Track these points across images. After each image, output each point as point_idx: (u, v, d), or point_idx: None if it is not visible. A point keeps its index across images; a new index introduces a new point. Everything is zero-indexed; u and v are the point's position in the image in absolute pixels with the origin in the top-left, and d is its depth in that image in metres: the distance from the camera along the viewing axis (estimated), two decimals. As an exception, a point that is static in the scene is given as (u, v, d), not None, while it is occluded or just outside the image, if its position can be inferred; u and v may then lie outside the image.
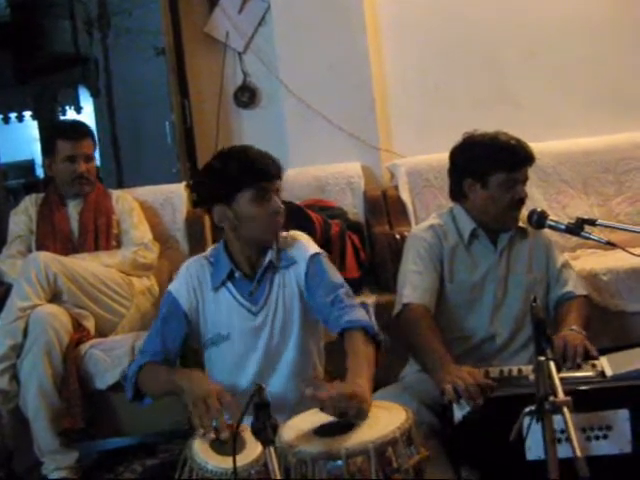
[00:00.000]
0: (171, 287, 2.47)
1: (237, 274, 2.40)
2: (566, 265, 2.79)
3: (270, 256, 2.40)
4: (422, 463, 1.91)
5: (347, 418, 1.94)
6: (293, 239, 2.47)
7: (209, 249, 2.52)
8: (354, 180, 4.12)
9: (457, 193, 2.74)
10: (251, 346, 2.39)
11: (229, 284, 2.41)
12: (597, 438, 2.10)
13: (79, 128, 3.68)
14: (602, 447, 2.10)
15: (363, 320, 2.30)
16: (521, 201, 2.65)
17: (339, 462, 1.82)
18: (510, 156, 2.61)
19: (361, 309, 2.36)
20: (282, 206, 2.38)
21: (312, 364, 2.46)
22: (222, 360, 2.41)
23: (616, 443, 2.10)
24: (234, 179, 2.32)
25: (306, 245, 2.46)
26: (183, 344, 2.42)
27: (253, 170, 2.32)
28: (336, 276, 2.43)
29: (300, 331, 2.40)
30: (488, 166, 2.61)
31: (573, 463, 1.70)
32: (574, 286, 2.75)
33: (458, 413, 2.16)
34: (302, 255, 2.42)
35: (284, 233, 2.47)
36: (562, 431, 1.83)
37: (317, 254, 2.43)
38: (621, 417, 2.10)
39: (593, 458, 1.99)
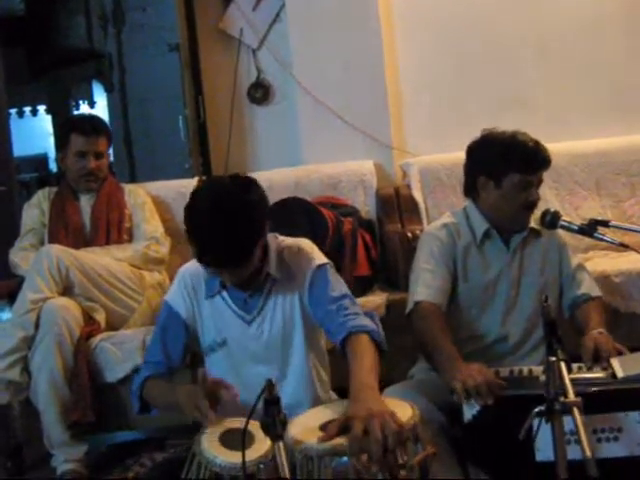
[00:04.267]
0: (167, 297, 2.43)
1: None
2: (580, 267, 2.77)
3: (267, 268, 2.32)
4: (428, 460, 1.91)
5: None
6: (297, 249, 2.38)
7: None
8: (366, 178, 4.11)
9: (470, 189, 2.72)
10: (248, 355, 2.35)
11: (223, 292, 2.36)
12: (607, 440, 2.10)
13: (95, 124, 3.67)
14: (612, 449, 2.09)
15: (369, 326, 2.25)
16: (533, 204, 2.63)
17: (345, 458, 1.82)
18: (527, 158, 2.58)
19: (367, 318, 2.30)
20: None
21: (320, 370, 2.43)
22: (220, 367, 2.37)
23: (626, 445, 2.09)
24: None
25: (311, 256, 2.37)
26: (185, 352, 2.41)
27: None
28: (341, 286, 2.36)
29: (304, 341, 2.35)
30: (503, 166, 2.58)
31: (583, 465, 1.69)
32: (589, 288, 2.72)
33: (468, 413, 2.15)
34: (306, 267, 2.34)
35: (289, 241, 2.39)
36: (572, 432, 1.84)
37: (322, 265, 2.35)
38: (632, 419, 2.10)
39: (603, 460, 1.99)
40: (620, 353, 2.38)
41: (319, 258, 2.39)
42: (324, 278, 2.33)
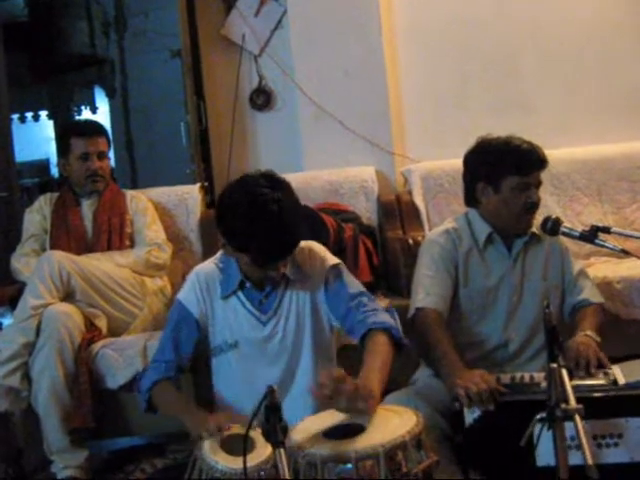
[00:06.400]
0: (180, 296, 2.45)
1: (248, 284, 2.37)
2: (582, 273, 2.77)
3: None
4: (431, 468, 1.90)
5: (355, 412, 1.96)
6: (309, 251, 2.43)
7: (219, 253, 2.48)
8: (368, 184, 4.12)
9: (470, 197, 2.73)
10: (260, 356, 2.37)
11: (239, 292, 2.39)
12: (608, 446, 2.10)
13: (92, 126, 3.73)
14: (613, 455, 2.09)
15: (388, 322, 2.30)
16: (534, 205, 2.63)
17: (349, 465, 1.82)
18: (522, 160, 2.60)
19: (386, 313, 2.35)
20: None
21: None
22: (230, 369, 2.39)
23: (627, 451, 2.10)
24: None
25: (323, 257, 2.44)
26: (195, 351, 2.41)
27: None
28: (357, 284, 2.42)
29: (312, 343, 2.38)
30: (500, 170, 2.60)
31: (584, 470, 1.69)
32: (590, 294, 2.72)
33: (469, 417, 2.16)
34: (320, 267, 2.40)
35: (301, 244, 2.39)
36: (573, 438, 1.83)
37: (336, 265, 2.42)
38: (633, 425, 2.10)
39: (604, 466, 2.00)
40: (601, 361, 2.37)
41: (331, 259, 2.44)
42: (339, 277, 2.40)
